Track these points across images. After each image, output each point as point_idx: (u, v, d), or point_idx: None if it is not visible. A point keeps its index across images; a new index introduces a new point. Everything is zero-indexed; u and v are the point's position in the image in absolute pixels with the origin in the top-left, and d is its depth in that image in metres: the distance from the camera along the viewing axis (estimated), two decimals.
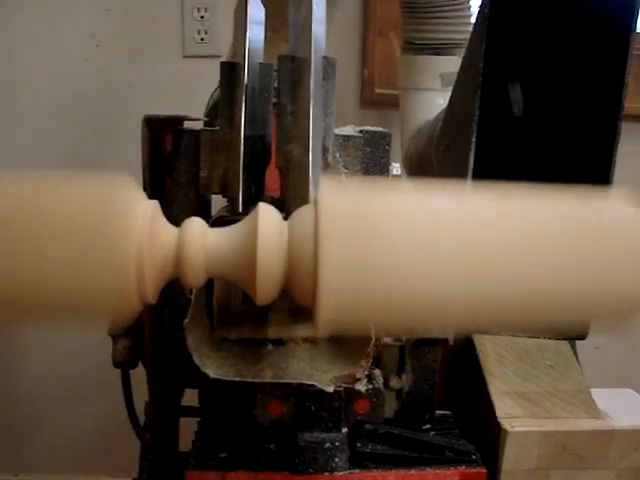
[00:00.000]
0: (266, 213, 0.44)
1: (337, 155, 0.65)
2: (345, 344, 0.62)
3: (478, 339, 0.79)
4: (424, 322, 0.54)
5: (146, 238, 0.42)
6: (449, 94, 0.84)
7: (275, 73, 0.64)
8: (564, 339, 0.79)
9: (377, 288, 0.42)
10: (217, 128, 0.67)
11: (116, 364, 0.79)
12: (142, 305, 0.44)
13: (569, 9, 0.70)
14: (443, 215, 0.43)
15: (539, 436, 0.71)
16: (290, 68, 0.60)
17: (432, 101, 1.12)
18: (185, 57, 1.62)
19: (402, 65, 1.18)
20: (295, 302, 0.45)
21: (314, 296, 0.42)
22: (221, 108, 0.64)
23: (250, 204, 0.57)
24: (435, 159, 0.86)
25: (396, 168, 0.72)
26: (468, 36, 1.10)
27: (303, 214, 0.44)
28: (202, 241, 0.44)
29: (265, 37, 0.68)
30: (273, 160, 0.63)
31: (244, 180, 0.59)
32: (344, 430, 0.67)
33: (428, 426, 0.74)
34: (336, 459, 0.66)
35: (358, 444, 0.69)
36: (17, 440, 1.76)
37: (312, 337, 0.63)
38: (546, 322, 0.48)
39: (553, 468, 0.72)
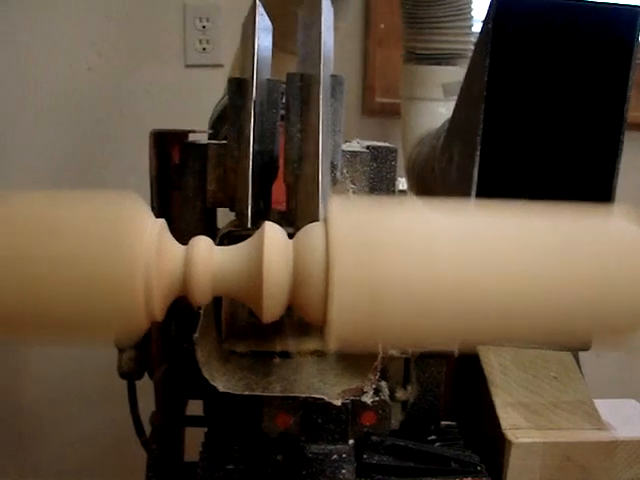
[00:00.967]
0: (272, 232, 0.45)
1: (344, 171, 0.66)
2: (353, 357, 0.63)
3: (482, 351, 0.79)
4: (432, 339, 0.55)
5: (153, 257, 0.43)
6: (451, 104, 0.85)
7: (283, 87, 0.65)
8: (568, 350, 0.80)
9: (387, 306, 0.42)
10: (224, 142, 0.68)
11: (122, 375, 0.79)
12: (149, 322, 0.44)
13: (572, 23, 0.71)
14: (451, 233, 0.44)
15: (543, 447, 0.72)
16: (299, 86, 0.61)
17: (434, 111, 1.13)
18: (187, 66, 1.63)
19: (404, 75, 1.19)
20: (301, 318, 0.46)
21: (325, 313, 0.43)
22: (229, 123, 0.64)
23: (258, 218, 0.57)
24: (438, 169, 0.87)
25: (402, 183, 0.72)
26: (470, 46, 1.11)
27: (310, 232, 0.45)
28: (209, 259, 0.44)
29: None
30: (279, 175, 0.64)
31: (253, 195, 0.59)
32: (351, 442, 0.67)
33: (433, 437, 0.75)
34: (343, 470, 0.66)
35: (365, 455, 0.70)
36: (20, 446, 1.76)
37: (321, 350, 0.63)
38: (548, 337, 0.49)
39: (557, 479, 0.72)
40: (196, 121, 0.88)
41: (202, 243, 0.45)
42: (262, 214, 0.63)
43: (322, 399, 0.59)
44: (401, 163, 0.77)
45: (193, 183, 0.70)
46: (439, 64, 1.12)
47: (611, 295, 0.43)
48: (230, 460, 0.71)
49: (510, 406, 0.75)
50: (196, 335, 0.60)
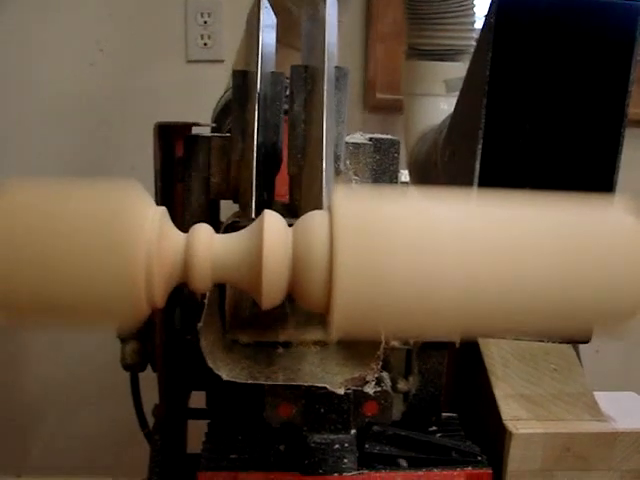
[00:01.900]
0: (271, 219, 0.45)
1: (347, 162, 0.66)
2: (355, 347, 0.63)
3: (483, 343, 0.80)
4: (434, 327, 0.55)
5: (154, 244, 0.43)
6: (453, 100, 0.85)
7: (286, 81, 0.65)
8: (567, 343, 0.80)
9: (389, 295, 0.43)
10: (228, 134, 0.68)
11: (125, 367, 0.80)
12: (150, 309, 0.45)
13: (574, 18, 0.71)
14: (453, 222, 0.44)
15: (543, 438, 0.72)
16: (303, 77, 0.61)
17: (436, 106, 1.14)
18: (188, 62, 1.63)
19: (406, 71, 1.19)
20: (301, 306, 0.46)
21: (328, 302, 0.43)
22: (234, 115, 0.65)
23: (262, 210, 0.58)
24: (440, 164, 0.87)
25: (405, 175, 0.73)
26: (472, 42, 1.12)
27: (310, 220, 0.45)
28: (209, 247, 0.45)
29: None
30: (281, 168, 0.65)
31: (257, 187, 0.60)
32: (353, 432, 0.68)
33: (434, 428, 0.75)
34: (345, 460, 0.67)
35: (366, 445, 0.70)
36: (21, 441, 1.77)
37: (323, 340, 0.64)
38: (548, 327, 0.49)
39: (557, 469, 0.73)
40: (198, 116, 0.89)
41: (203, 230, 0.46)
42: (266, 205, 0.63)
43: (325, 388, 0.60)
44: (403, 158, 0.78)
45: (197, 175, 0.71)
46: (441, 60, 1.13)
47: (610, 283, 0.44)
48: (233, 450, 0.71)
49: (511, 397, 0.76)
50: (200, 325, 0.60)
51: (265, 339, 0.65)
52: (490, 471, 0.71)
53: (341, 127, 0.62)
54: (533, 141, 0.75)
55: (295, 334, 0.65)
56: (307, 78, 0.61)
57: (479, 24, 1.12)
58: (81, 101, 1.62)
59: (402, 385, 0.73)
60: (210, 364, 0.60)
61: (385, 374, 0.70)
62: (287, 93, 0.65)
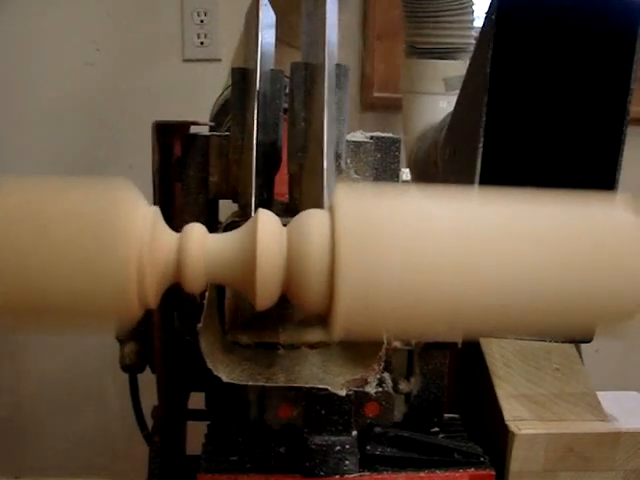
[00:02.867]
0: (265, 219, 0.45)
1: (348, 161, 0.66)
2: (356, 348, 0.63)
3: (485, 343, 0.79)
4: (435, 328, 0.54)
5: (146, 243, 0.43)
6: (452, 98, 0.85)
7: (286, 79, 0.65)
8: (569, 342, 0.80)
9: (391, 296, 0.42)
10: (227, 133, 0.68)
11: (124, 368, 0.79)
12: (143, 310, 0.44)
13: (575, 15, 0.71)
14: (454, 221, 0.44)
15: (546, 438, 0.72)
16: (303, 75, 0.60)
17: (435, 105, 1.13)
18: (185, 61, 1.63)
19: (405, 69, 1.19)
20: (296, 307, 0.46)
21: (330, 303, 0.43)
22: (233, 114, 0.64)
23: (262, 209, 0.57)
24: (441, 163, 0.87)
25: (406, 174, 0.72)
26: (471, 40, 1.11)
27: (307, 220, 0.45)
28: (202, 246, 0.44)
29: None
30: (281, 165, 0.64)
31: (256, 186, 0.59)
32: (354, 433, 0.67)
33: (436, 429, 0.75)
34: (346, 462, 0.66)
35: (368, 447, 0.70)
36: (19, 443, 1.76)
37: (324, 342, 0.63)
38: (547, 326, 0.49)
39: (560, 470, 0.72)
40: (195, 115, 0.88)
41: (195, 230, 0.45)
42: (265, 205, 0.63)
43: (326, 389, 0.59)
44: (403, 156, 0.77)
45: (195, 175, 0.70)
46: (440, 58, 1.12)
47: (610, 282, 0.43)
48: (233, 452, 0.71)
49: (513, 398, 0.75)
50: (200, 326, 0.60)
51: (266, 340, 0.64)
52: (493, 472, 0.70)
53: (342, 125, 0.61)
54: (534, 139, 0.75)
55: (296, 335, 0.64)
56: (307, 76, 0.60)
57: (478, 22, 1.12)
58: (78, 100, 1.61)
59: (404, 386, 0.72)
60: (210, 366, 0.59)
61: (386, 375, 0.69)
62: (287, 91, 0.65)
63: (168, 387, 0.78)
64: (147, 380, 0.83)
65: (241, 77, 0.64)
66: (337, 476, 0.66)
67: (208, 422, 0.76)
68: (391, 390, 0.68)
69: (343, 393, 0.60)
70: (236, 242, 0.45)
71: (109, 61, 1.61)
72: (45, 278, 0.42)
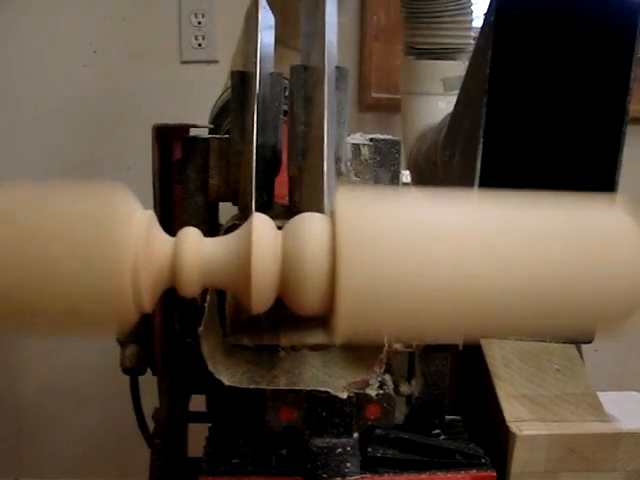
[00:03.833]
0: (260, 223, 0.45)
1: (348, 164, 0.66)
2: (357, 350, 0.63)
3: (486, 344, 0.79)
4: (436, 330, 0.55)
5: (142, 248, 0.43)
6: (451, 98, 0.85)
7: (285, 82, 0.65)
8: (570, 343, 0.80)
9: (392, 299, 0.42)
10: (226, 136, 0.67)
11: (125, 370, 0.79)
12: (139, 313, 0.44)
13: (574, 15, 0.71)
14: (454, 225, 0.44)
15: (547, 439, 0.72)
16: (303, 78, 0.60)
17: (434, 105, 1.13)
18: (182, 62, 1.63)
19: (404, 69, 1.19)
20: (292, 310, 0.46)
21: (332, 306, 0.43)
22: (232, 117, 0.64)
23: (263, 212, 0.57)
24: (440, 164, 0.87)
25: (406, 176, 0.72)
26: (470, 41, 1.11)
27: (300, 224, 0.45)
28: (197, 251, 0.44)
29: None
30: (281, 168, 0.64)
31: (256, 188, 0.59)
32: (355, 435, 0.67)
33: (438, 431, 0.74)
34: (348, 464, 0.66)
35: (369, 449, 0.70)
36: (19, 445, 1.76)
37: (325, 344, 0.63)
38: (545, 327, 0.49)
39: (561, 471, 0.72)
40: (192, 117, 0.88)
41: (191, 234, 0.45)
42: (266, 207, 0.63)
43: (327, 392, 0.59)
44: (403, 158, 0.77)
45: (195, 177, 0.70)
46: (439, 59, 1.12)
47: (607, 283, 0.43)
48: (235, 454, 0.70)
49: (514, 399, 0.75)
50: (201, 329, 0.60)
51: (266, 342, 0.64)
52: (494, 473, 0.70)
53: (342, 128, 0.61)
54: (534, 139, 0.75)
55: (297, 337, 0.64)
56: (307, 78, 0.60)
57: (477, 22, 1.12)
58: (75, 102, 1.61)
59: (405, 388, 0.72)
60: (211, 369, 0.59)
61: (387, 377, 0.69)
62: (286, 94, 0.65)
63: (169, 389, 0.78)
64: (148, 382, 0.83)
65: (240, 80, 0.64)
66: (338, 478, 0.66)
67: (209, 424, 0.75)
68: (392, 392, 0.67)
69: (344, 395, 0.60)
70: (231, 246, 0.45)
71: (106, 63, 1.61)
72: (41, 282, 0.42)
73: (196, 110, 1.06)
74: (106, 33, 1.60)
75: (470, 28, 1.11)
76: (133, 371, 0.79)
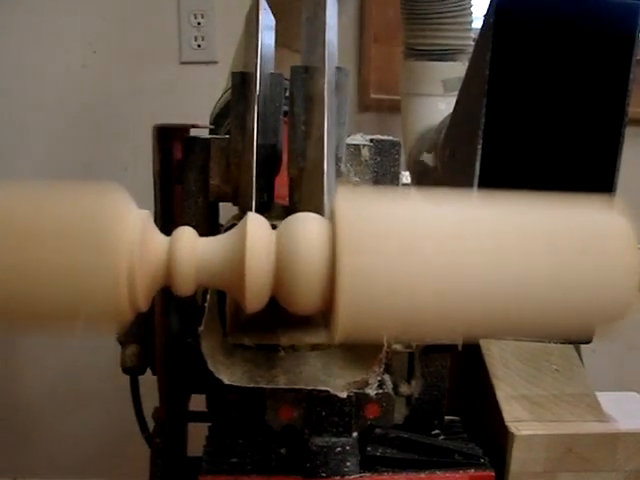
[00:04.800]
0: (254, 222, 0.45)
1: (348, 164, 0.66)
2: (357, 350, 0.63)
3: (484, 344, 0.80)
4: (436, 330, 0.55)
5: (137, 247, 0.43)
6: (451, 99, 0.85)
7: (286, 82, 0.65)
8: (568, 343, 0.80)
9: (392, 298, 0.43)
10: (227, 136, 0.68)
11: (125, 370, 0.80)
12: (134, 313, 0.45)
13: (573, 17, 0.71)
14: (455, 227, 0.44)
15: (546, 439, 0.72)
16: (303, 78, 0.61)
17: (434, 106, 1.13)
18: (182, 63, 1.63)
19: (404, 71, 1.19)
20: (287, 309, 0.46)
21: (332, 306, 0.43)
22: (233, 117, 0.64)
23: (262, 212, 0.57)
24: (440, 165, 0.87)
25: (406, 177, 0.73)
26: (469, 42, 1.12)
27: (294, 224, 0.45)
28: (192, 250, 0.45)
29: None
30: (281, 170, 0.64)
31: (256, 189, 0.59)
32: (355, 434, 0.67)
33: (437, 431, 0.75)
34: (347, 463, 0.66)
35: (369, 448, 0.70)
36: (18, 444, 1.76)
37: (324, 344, 0.63)
38: (541, 328, 0.49)
39: (560, 471, 0.73)
40: (192, 117, 0.88)
41: (186, 234, 0.46)
42: (266, 208, 0.63)
43: (327, 391, 0.59)
44: (403, 159, 0.77)
45: (196, 178, 0.70)
46: (439, 60, 1.12)
47: (602, 284, 0.44)
48: (234, 453, 0.71)
49: (512, 399, 0.75)
50: (201, 329, 0.60)
51: (266, 342, 0.64)
52: (493, 473, 0.70)
53: (342, 129, 0.61)
54: (533, 141, 0.75)
55: (296, 337, 0.64)
56: (307, 79, 0.61)
57: (477, 23, 1.12)
58: (74, 102, 1.61)
59: (404, 389, 0.72)
60: (211, 368, 0.59)
61: (387, 376, 0.69)
62: (287, 94, 0.65)
63: (169, 389, 0.78)
64: (148, 382, 0.83)
65: (241, 80, 0.64)
66: (338, 477, 0.66)
67: (209, 424, 0.76)
68: (391, 392, 0.68)
69: (344, 395, 0.60)
70: (226, 246, 0.45)
71: (105, 63, 1.61)
72: (36, 281, 0.42)
73: (195, 111, 1.07)
74: (106, 33, 1.60)
75: (470, 29, 1.12)
76: (133, 371, 0.80)
